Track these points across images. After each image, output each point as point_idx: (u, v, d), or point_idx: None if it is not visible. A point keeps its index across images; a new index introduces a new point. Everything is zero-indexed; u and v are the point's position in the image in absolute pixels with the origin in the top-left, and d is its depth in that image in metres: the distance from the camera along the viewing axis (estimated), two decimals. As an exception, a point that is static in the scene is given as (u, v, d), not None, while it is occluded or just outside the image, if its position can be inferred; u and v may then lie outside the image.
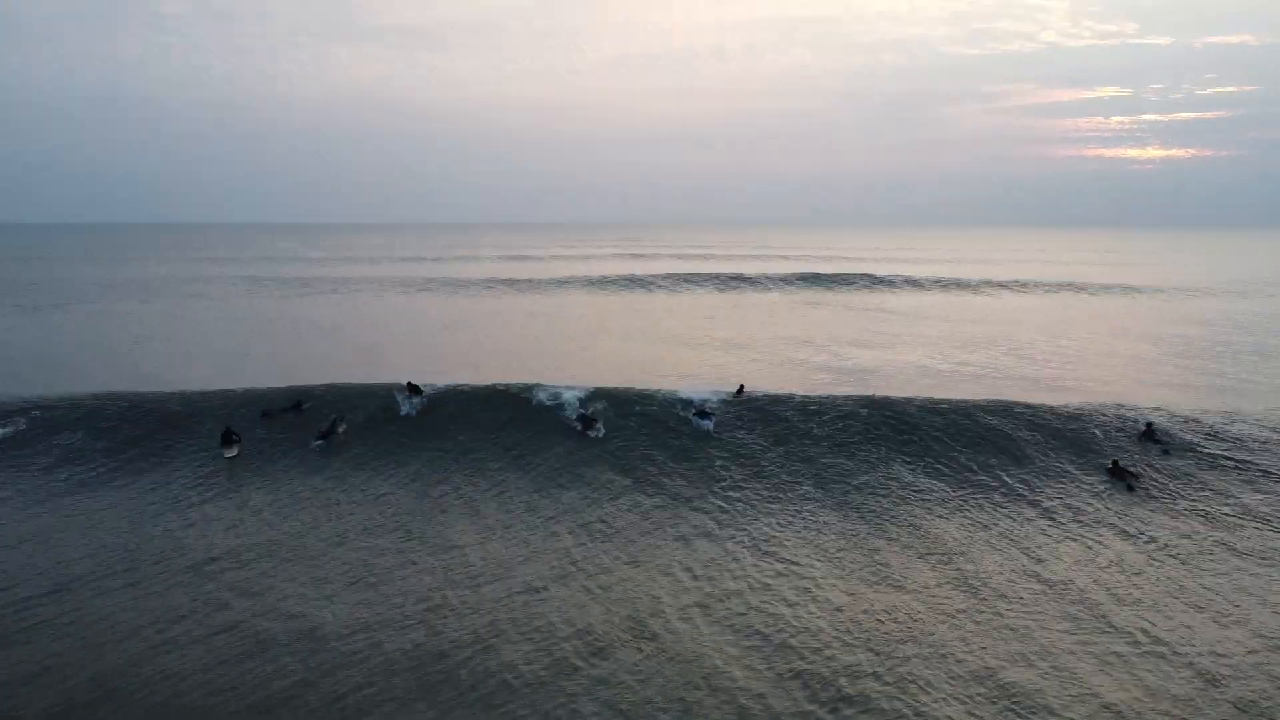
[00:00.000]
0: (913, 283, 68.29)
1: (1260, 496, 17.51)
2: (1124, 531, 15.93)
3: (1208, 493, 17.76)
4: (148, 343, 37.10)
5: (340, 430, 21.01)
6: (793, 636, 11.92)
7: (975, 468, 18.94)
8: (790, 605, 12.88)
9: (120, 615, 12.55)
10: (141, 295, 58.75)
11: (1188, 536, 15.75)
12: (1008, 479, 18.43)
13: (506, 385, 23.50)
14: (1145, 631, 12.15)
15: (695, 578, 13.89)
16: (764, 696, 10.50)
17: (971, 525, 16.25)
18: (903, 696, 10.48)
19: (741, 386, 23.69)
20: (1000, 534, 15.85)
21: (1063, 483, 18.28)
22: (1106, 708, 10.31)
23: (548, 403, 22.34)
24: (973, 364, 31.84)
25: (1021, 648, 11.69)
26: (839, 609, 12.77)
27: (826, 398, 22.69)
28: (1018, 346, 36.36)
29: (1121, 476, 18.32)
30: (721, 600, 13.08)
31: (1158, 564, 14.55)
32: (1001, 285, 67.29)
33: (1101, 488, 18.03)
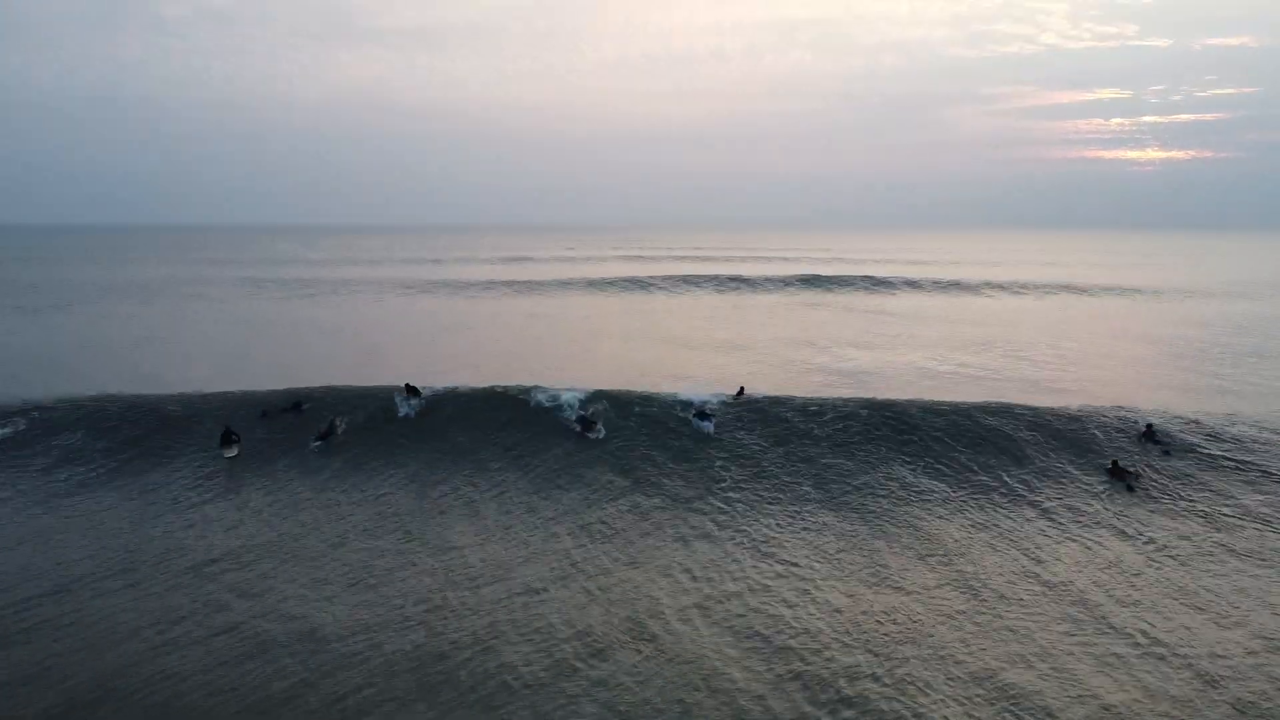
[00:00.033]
0: (913, 284, 68.33)
1: (1260, 498, 17.51)
2: (1124, 533, 15.94)
3: (1207, 494, 17.76)
4: (147, 344, 37.12)
5: (340, 428, 21.02)
6: (792, 638, 11.92)
7: (975, 469, 18.95)
8: (790, 607, 12.88)
9: (120, 616, 12.56)
10: (141, 296, 58.77)
11: (1187, 538, 15.76)
12: (1008, 480, 18.43)
13: (505, 387, 23.51)
14: (1145, 633, 12.16)
15: (695, 579, 13.89)
16: (763, 698, 10.51)
17: (971, 526, 16.25)
18: (902, 698, 10.48)
19: (742, 389, 23.70)
20: (1000, 535, 15.86)
21: (1063, 483, 18.28)
22: (1106, 709, 10.31)
23: (547, 404, 22.35)
24: (973, 365, 31.85)
25: (1021, 649, 11.69)
26: (838, 610, 12.77)
27: (826, 399, 22.71)
28: (1017, 348, 36.37)
29: (1121, 476, 18.33)
30: (721, 602, 13.08)
31: (1157, 565, 14.56)
32: (1001, 287, 67.31)
33: (1101, 489, 18.03)
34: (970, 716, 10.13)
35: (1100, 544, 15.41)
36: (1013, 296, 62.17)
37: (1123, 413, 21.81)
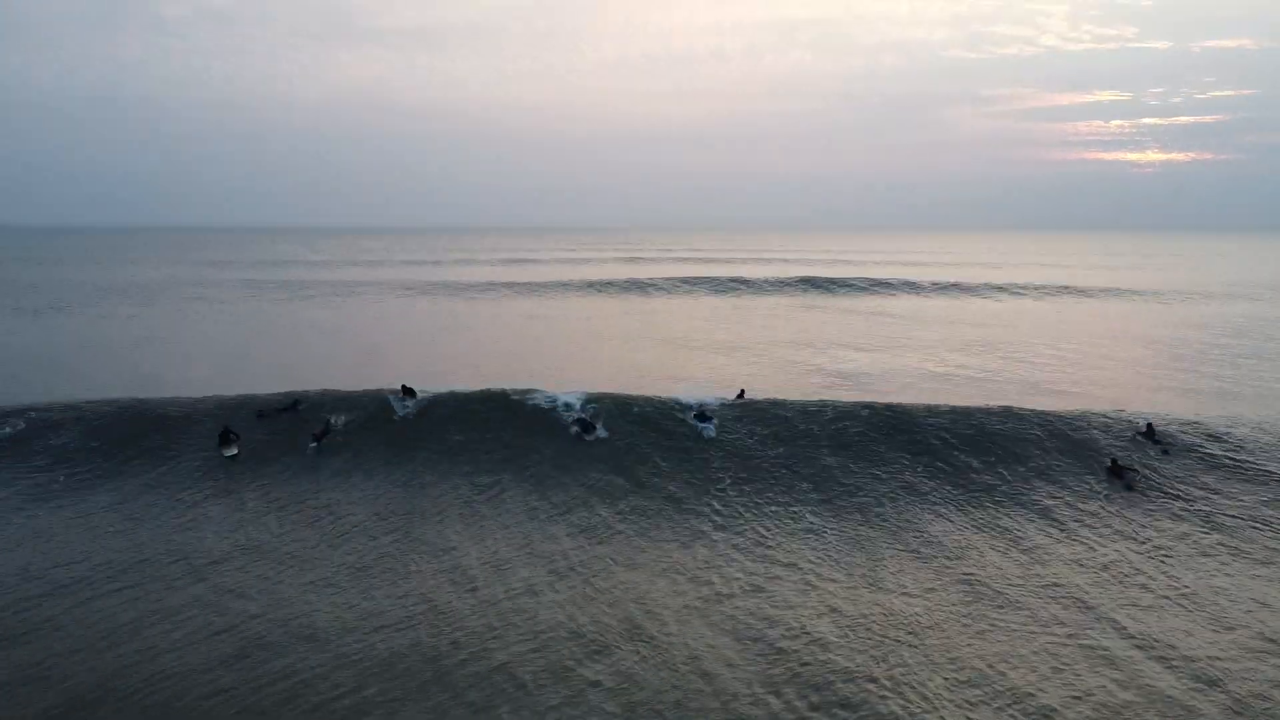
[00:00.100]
0: (912, 286, 68.37)
1: (1260, 498, 17.51)
2: (1123, 533, 15.93)
3: (1207, 494, 17.76)
4: (146, 345, 37.14)
5: (337, 425, 21.01)
6: (791, 639, 11.91)
7: (975, 469, 18.94)
8: (789, 607, 12.87)
9: (120, 616, 12.55)
10: (141, 298, 58.80)
11: (1187, 538, 15.76)
12: (1008, 480, 18.43)
13: (504, 389, 23.48)
14: (1144, 633, 12.15)
15: (693, 580, 13.88)
16: (761, 699, 10.50)
17: (971, 526, 16.26)
18: (901, 699, 10.47)
19: (743, 391, 23.70)
20: (1000, 535, 15.86)
21: (1063, 483, 18.28)
22: (1106, 709, 10.31)
23: (546, 405, 22.33)
24: (972, 366, 31.88)
25: (1021, 649, 11.68)
26: (838, 611, 12.76)
27: (826, 400, 22.72)
28: (1017, 350, 36.40)
29: (1120, 475, 18.34)
30: (719, 602, 13.07)
31: (1157, 565, 14.55)
32: (1001, 288, 67.34)
33: (1101, 489, 18.03)
34: (970, 717, 10.13)
35: (1100, 544, 15.41)
36: (1012, 298, 62.21)
37: (1122, 414, 21.82)
